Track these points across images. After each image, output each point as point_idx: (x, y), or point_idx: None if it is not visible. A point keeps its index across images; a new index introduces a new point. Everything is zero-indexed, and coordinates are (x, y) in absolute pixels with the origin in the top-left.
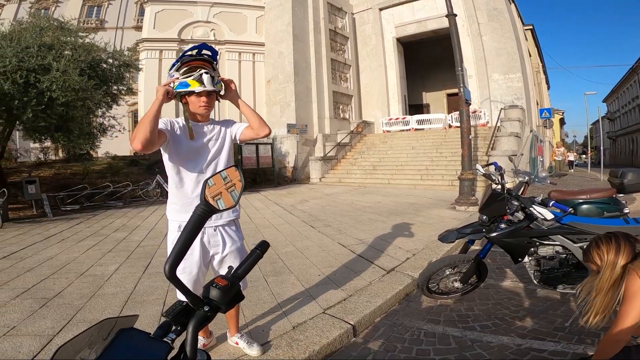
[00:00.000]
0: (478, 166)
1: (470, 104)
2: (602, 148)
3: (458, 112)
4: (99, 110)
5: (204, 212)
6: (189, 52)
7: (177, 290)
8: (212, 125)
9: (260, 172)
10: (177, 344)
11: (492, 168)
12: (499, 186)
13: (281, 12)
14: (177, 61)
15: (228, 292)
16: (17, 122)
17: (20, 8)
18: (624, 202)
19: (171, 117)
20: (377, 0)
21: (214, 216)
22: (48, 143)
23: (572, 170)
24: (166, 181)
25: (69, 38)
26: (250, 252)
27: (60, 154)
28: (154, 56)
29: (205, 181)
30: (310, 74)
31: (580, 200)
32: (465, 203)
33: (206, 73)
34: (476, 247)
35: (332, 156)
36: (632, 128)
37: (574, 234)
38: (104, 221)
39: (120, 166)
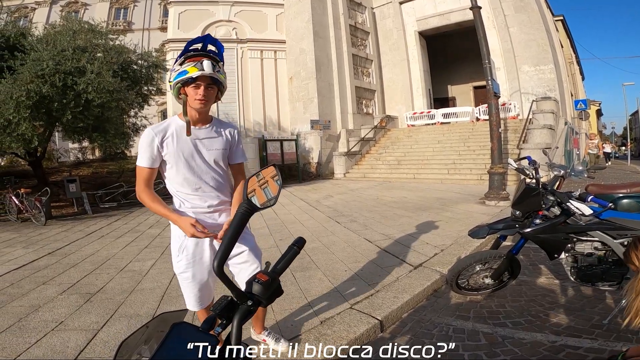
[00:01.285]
0: (510, 160)
1: (499, 96)
2: None
3: (486, 105)
4: (132, 110)
5: (247, 210)
6: (194, 46)
7: (183, 294)
8: (212, 131)
9: (285, 168)
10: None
11: (525, 162)
12: (533, 180)
13: (300, 9)
14: (180, 55)
15: (269, 287)
16: (57, 124)
17: (51, 12)
18: None
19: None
20: None
21: None
22: (86, 143)
23: (609, 163)
24: None
25: (100, 40)
26: (287, 248)
27: (97, 154)
28: None
29: (246, 180)
30: (332, 69)
31: (620, 195)
32: (495, 198)
33: (208, 59)
34: (508, 243)
35: (356, 151)
36: None
37: (614, 230)
38: (139, 218)
39: None
